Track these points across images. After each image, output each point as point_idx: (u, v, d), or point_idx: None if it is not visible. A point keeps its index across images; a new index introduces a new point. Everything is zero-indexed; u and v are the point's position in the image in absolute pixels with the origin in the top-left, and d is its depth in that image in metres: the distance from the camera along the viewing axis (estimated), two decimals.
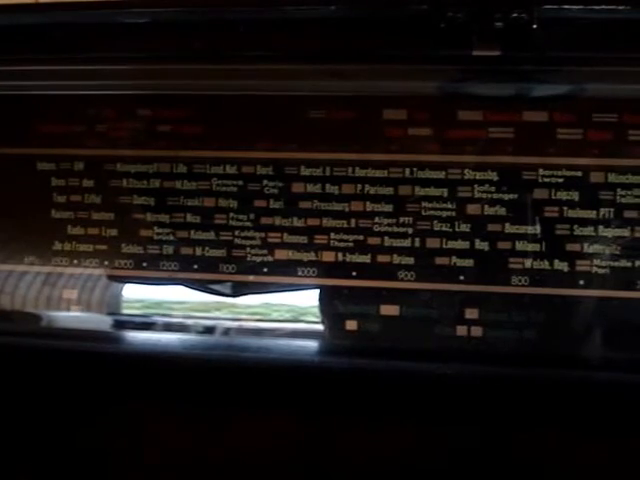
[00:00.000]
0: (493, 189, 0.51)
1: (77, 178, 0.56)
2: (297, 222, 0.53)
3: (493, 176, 0.51)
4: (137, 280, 0.56)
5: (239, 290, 0.54)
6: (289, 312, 0.53)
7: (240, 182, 0.53)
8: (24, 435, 0.58)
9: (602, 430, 0.51)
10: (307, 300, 0.53)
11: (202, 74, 0.55)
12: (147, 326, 0.55)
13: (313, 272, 0.53)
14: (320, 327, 0.53)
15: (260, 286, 0.53)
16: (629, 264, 0.49)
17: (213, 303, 0.54)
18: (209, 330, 0.55)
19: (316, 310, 0.53)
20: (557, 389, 0.50)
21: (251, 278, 0.53)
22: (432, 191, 0.51)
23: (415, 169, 0.51)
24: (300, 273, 0.53)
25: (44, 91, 0.57)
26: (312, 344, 0.53)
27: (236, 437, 0.56)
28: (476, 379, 0.51)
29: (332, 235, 0.52)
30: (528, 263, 0.50)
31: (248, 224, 0.53)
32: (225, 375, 0.54)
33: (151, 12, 0.54)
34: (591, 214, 0.50)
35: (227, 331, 0.54)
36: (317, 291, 0.53)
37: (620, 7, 0.48)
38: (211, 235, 0.54)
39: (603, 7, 0.48)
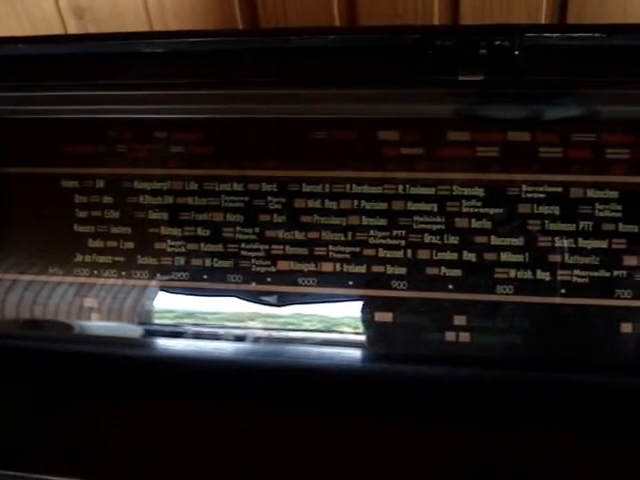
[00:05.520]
0: (480, 204, 0.54)
1: (98, 195, 0.60)
2: (298, 235, 0.57)
3: (480, 192, 0.54)
4: (152, 289, 0.59)
5: (244, 297, 0.58)
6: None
7: (246, 198, 0.57)
8: (58, 432, 0.60)
9: (587, 430, 0.53)
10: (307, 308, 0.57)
11: (212, 99, 0.58)
12: (175, 334, 0.59)
13: (313, 282, 0.56)
14: (318, 334, 0.57)
15: (268, 294, 0.57)
16: (607, 274, 0.52)
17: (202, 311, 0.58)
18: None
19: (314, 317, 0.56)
20: (540, 390, 0.53)
21: (254, 285, 0.57)
22: (423, 206, 0.55)
23: (407, 186, 0.55)
24: (300, 282, 0.57)
25: (69, 115, 0.60)
26: (314, 350, 0.57)
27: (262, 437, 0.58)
28: (464, 381, 0.54)
29: (330, 247, 0.56)
30: (512, 273, 0.53)
31: (253, 237, 0.57)
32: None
33: (167, 43, 0.57)
34: (571, 227, 0.53)
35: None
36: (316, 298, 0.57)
37: (596, 35, 0.51)
38: (219, 247, 0.58)
39: (580, 35, 0.51)
